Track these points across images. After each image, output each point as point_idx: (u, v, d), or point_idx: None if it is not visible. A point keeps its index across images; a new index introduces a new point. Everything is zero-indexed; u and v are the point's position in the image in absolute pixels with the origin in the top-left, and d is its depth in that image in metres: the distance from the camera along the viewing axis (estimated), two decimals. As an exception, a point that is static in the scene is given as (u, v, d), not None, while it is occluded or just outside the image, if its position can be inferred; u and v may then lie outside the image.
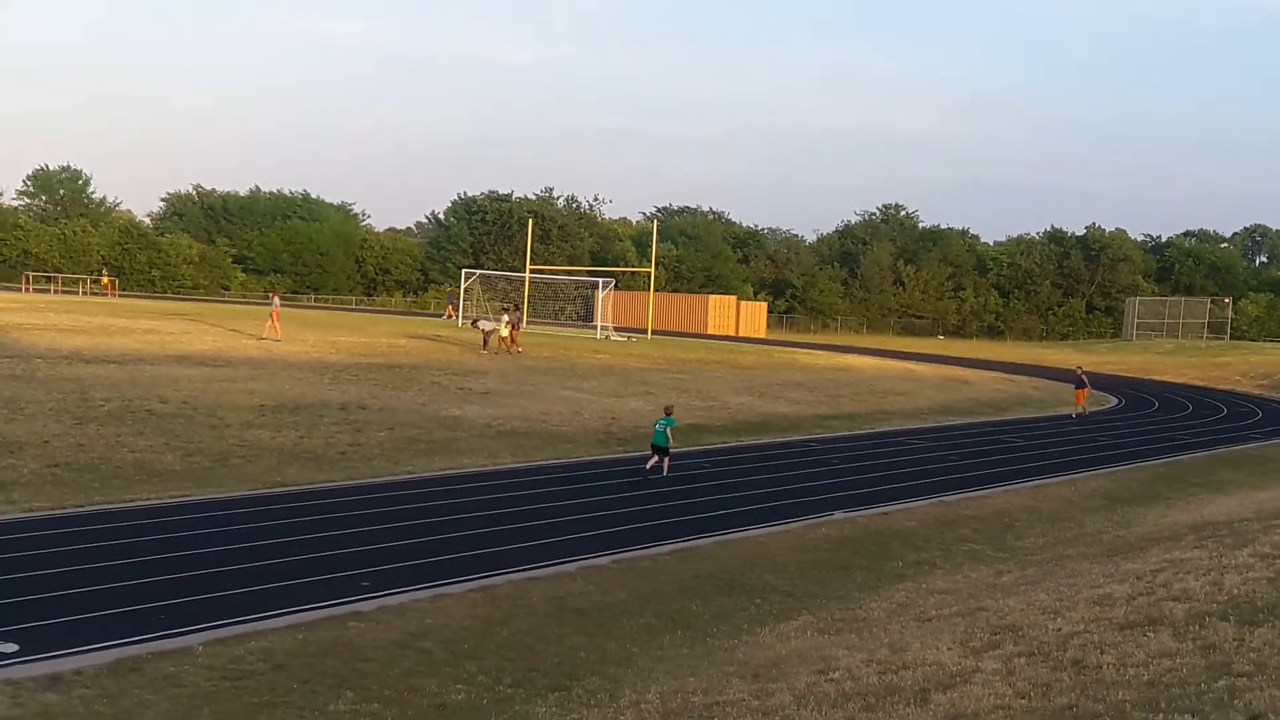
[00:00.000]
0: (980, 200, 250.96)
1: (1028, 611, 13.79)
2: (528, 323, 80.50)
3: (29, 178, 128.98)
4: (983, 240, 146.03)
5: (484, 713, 12.57)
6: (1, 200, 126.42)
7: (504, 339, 52.24)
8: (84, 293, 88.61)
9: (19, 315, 52.88)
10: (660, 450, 27.52)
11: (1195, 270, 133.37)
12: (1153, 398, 58.08)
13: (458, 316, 78.96)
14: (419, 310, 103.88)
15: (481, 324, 54.56)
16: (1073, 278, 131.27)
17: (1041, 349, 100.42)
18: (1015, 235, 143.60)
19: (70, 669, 12.73)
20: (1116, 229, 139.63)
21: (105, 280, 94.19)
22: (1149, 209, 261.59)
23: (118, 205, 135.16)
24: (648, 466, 27.36)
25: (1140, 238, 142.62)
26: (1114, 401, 54.53)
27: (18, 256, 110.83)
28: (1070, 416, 46.70)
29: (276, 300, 56.81)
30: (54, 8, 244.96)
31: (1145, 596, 13.45)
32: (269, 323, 51.97)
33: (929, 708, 9.89)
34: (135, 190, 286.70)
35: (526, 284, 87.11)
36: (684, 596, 17.66)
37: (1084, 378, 48.70)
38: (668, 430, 27.58)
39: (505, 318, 53.57)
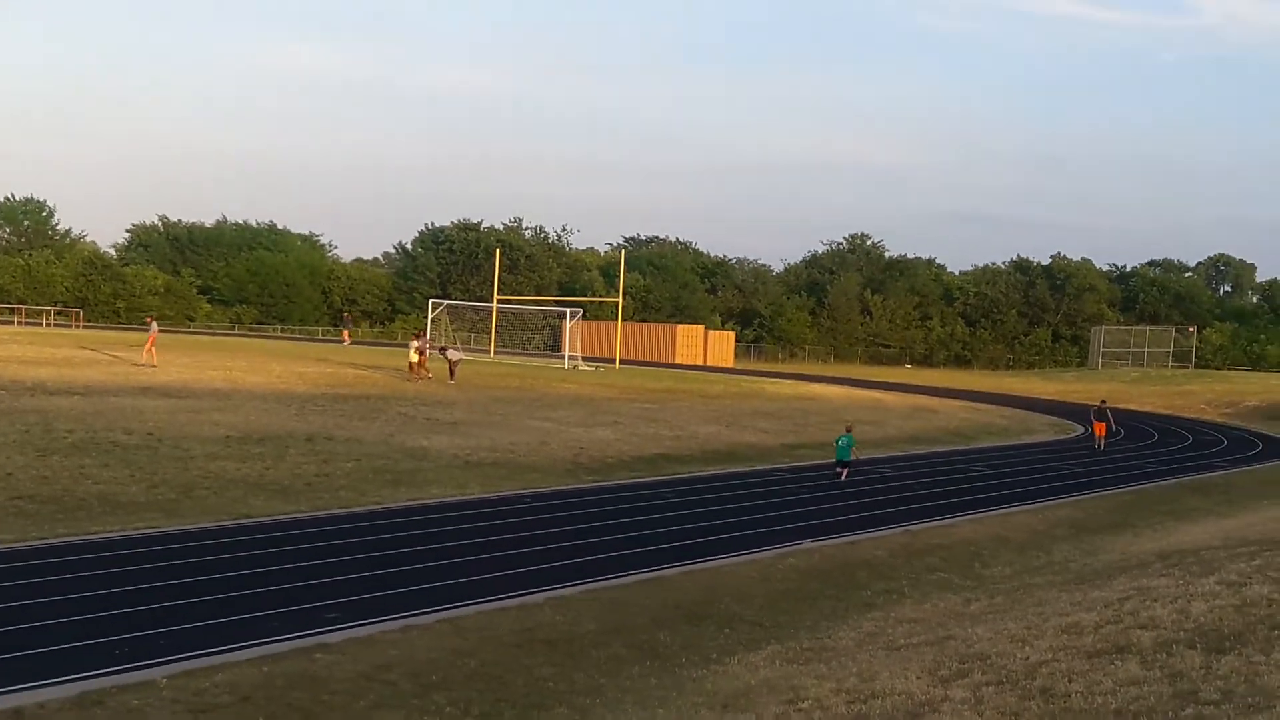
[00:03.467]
0: (946, 231, 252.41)
1: (996, 640, 13.80)
2: (495, 353, 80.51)
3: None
4: (949, 270, 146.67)
5: (451, 745, 12.49)
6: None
7: (413, 364, 51.67)
8: (48, 324, 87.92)
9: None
10: (843, 463, 33.85)
11: (1160, 300, 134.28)
12: (1119, 426, 58.33)
13: (349, 340, 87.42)
14: (386, 340, 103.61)
15: (449, 353, 54.32)
16: (1039, 307, 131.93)
17: (1009, 378, 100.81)
18: (981, 265, 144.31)
19: (33, 703, 12.60)
20: (1082, 258, 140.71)
21: None
22: (1114, 239, 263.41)
23: (82, 237, 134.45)
24: (841, 478, 33.57)
25: (1105, 267, 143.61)
26: (1080, 430, 54.75)
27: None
28: (1095, 447, 47.05)
29: (154, 326, 55.68)
30: (13, 36, 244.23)
31: (1113, 625, 13.49)
32: (146, 348, 51.12)
33: (898, 737, 9.87)
34: (100, 222, 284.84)
35: (494, 314, 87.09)
36: (652, 627, 17.60)
37: (1106, 411, 48.84)
38: (850, 446, 34.02)
39: (415, 344, 53.14)
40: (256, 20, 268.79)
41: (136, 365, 48.24)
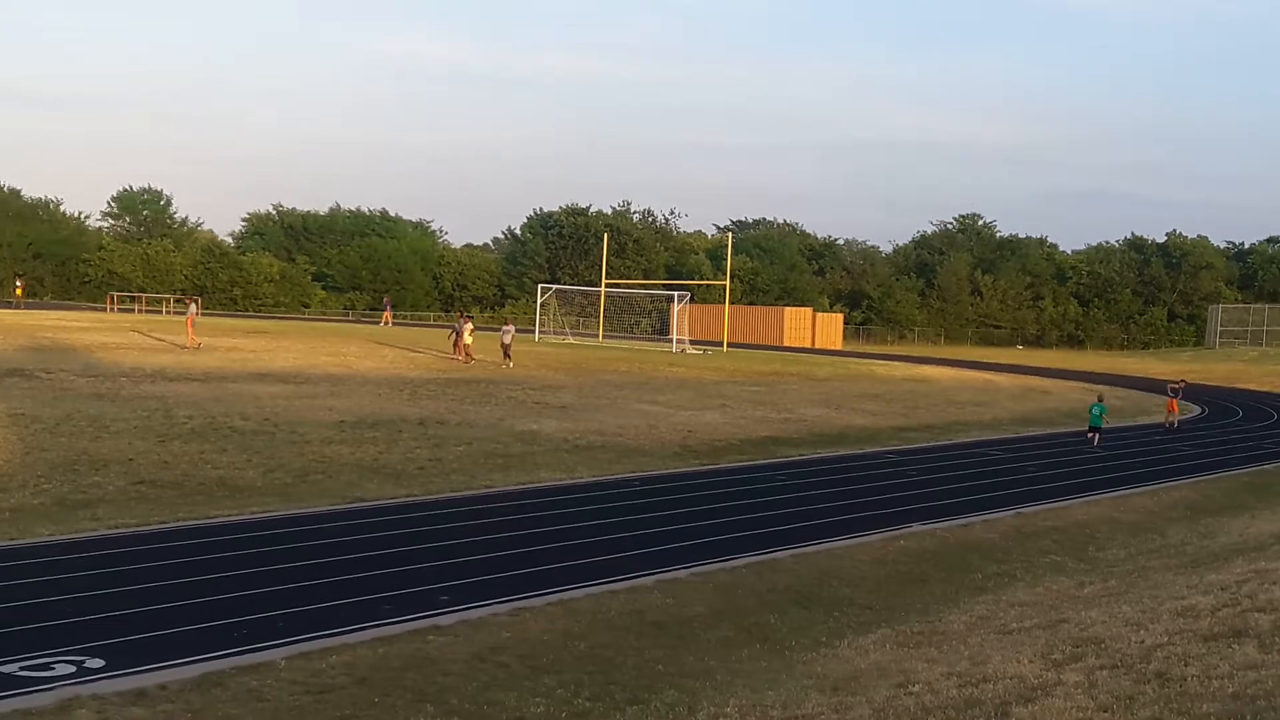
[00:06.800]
0: (1058, 209, 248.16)
1: (1110, 623, 13.65)
2: (603, 337, 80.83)
3: (113, 199, 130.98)
4: (1061, 249, 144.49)
5: (563, 726, 12.61)
6: (87, 222, 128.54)
7: (467, 347, 51.63)
8: (167, 312, 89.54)
9: (104, 334, 53.72)
10: (1096, 430, 38.64)
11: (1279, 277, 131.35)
12: (1237, 406, 57.23)
13: (390, 321, 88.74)
14: (495, 325, 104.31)
15: (503, 334, 54.05)
16: (1154, 286, 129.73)
17: (1123, 358, 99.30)
18: (1094, 243, 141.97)
19: (155, 684, 12.87)
20: (1198, 236, 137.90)
21: (19, 290, 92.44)
22: (1231, 216, 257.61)
23: (200, 225, 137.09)
24: (1094, 444, 38.19)
25: (1223, 245, 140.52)
26: (1197, 410, 53.77)
27: (102, 276, 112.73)
28: (1162, 426, 46.24)
29: (193, 308, 56.49)
30: (132, 32, 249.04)
31: (1230, 608, 13.28)
32: (188, 332, 51.61)
33: (1009, 721, 9.81)
34: (216, 211, 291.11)
35: (602, 298, 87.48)
36: (761, 609, 17.63)
37: (1179, 390, 48.50)
38: (1102, 415, 39.04)
39: (468, 325, 53.06)
40: (368, 10, 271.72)
41: (196, 348, 48.81)
